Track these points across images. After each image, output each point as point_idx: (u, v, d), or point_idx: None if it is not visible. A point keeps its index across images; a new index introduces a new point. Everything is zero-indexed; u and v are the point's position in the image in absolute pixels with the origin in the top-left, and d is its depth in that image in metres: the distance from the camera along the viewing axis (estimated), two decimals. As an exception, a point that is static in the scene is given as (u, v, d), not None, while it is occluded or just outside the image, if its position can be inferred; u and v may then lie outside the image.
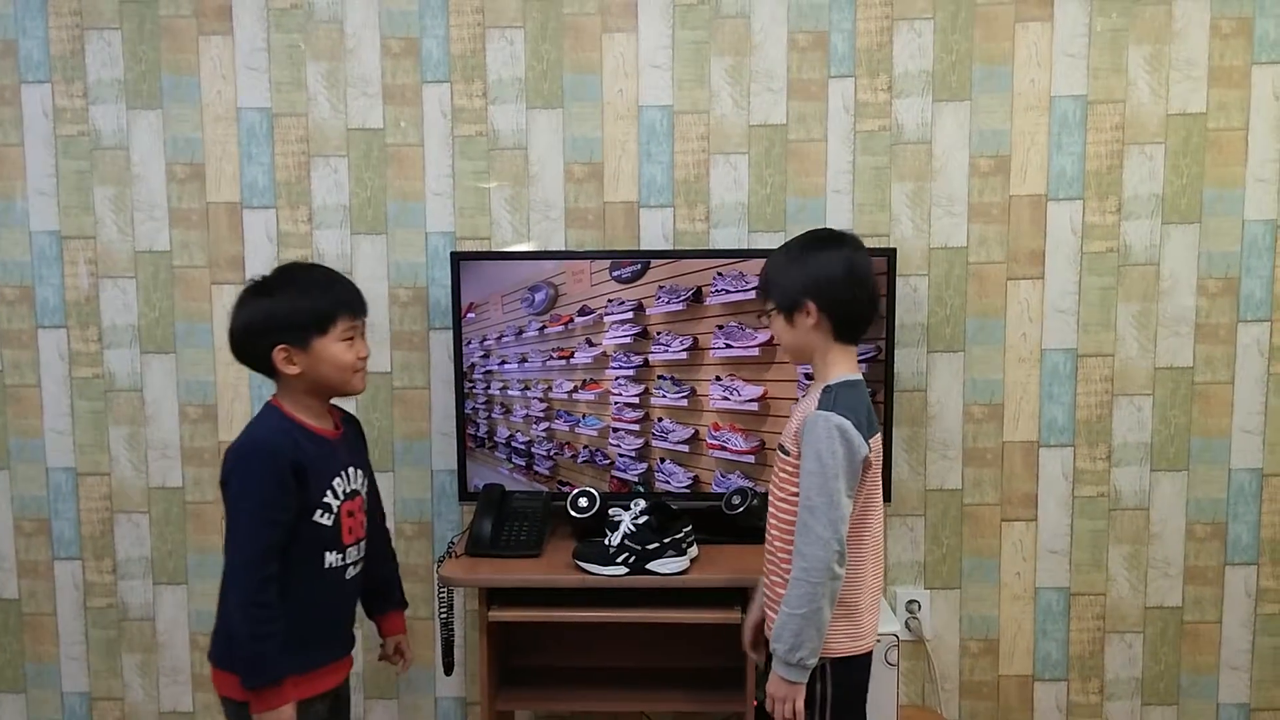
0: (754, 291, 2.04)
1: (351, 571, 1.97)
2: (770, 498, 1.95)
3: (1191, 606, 2.64)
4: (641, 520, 2.24)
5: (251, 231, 2.59)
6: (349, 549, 1.95)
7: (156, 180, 2.59)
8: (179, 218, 2.60)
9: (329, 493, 1.90)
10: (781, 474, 1.90)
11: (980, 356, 2.58)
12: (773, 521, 1.93)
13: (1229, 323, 2.55)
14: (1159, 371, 2.57)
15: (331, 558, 1.91)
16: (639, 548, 2.22)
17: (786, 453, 1.89)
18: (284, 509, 1.83)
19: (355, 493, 1.97)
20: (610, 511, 2.29)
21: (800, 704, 1.85)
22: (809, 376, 2.41)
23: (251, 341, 1.88)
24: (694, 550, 2.28)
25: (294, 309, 1.87)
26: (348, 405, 2.62)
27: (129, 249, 2.61)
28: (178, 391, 2.64)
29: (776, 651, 1.83)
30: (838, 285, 1.85)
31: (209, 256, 2.60)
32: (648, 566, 2.22)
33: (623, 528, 2.24)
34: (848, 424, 1.79)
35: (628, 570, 2.22)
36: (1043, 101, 2.51)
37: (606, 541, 2.24)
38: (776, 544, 1.91)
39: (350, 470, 1.96)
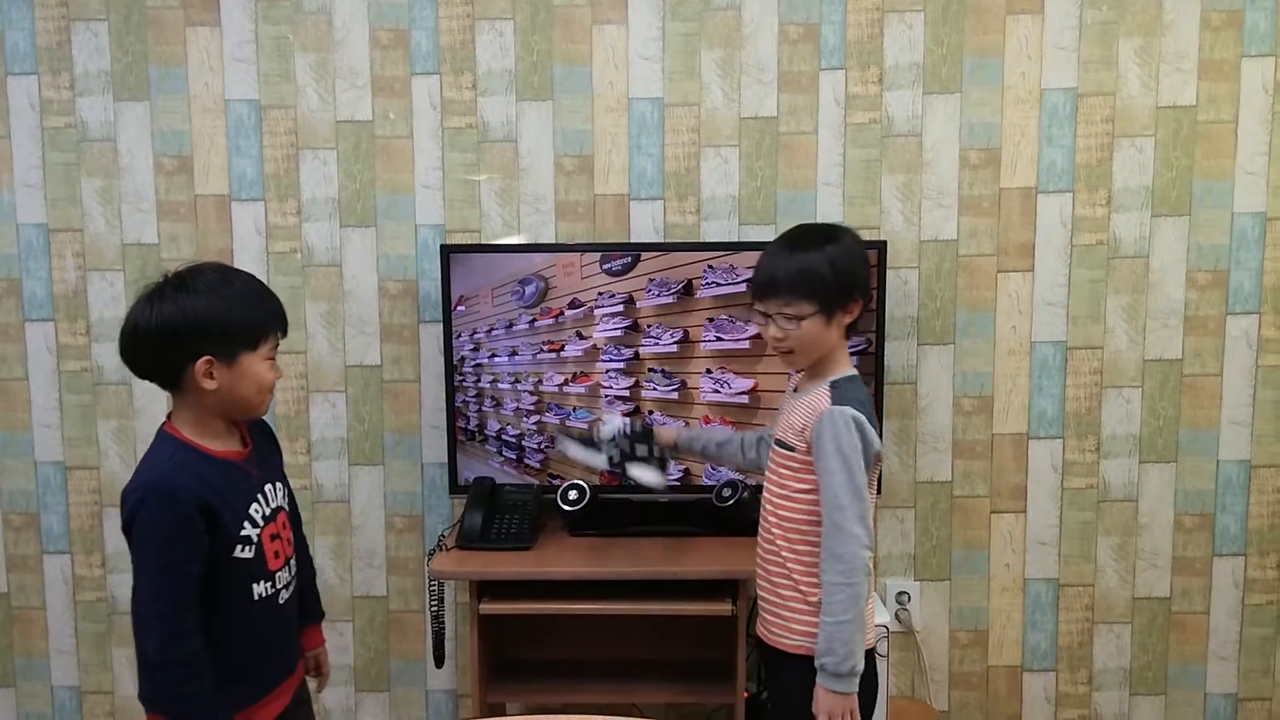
0: (769, 292, 1.83)
1: (285, 595, 1.78)
2: (766, 494, 1.91)
3: (1180, 597, 2.66)
4: (631, 430, 2.16)
5: (240, 224, 2.58)
6: (277, 574, 1.75)
7: (144, 173, 2.57)
8: (167, 210, 2.58)
9: (246, 524, 1.69)
10: (783, 470, 1.86)
11: (970, 349, 2.58)
12: (771, 520, 1.88)
13: (1218, 315, 2.56)
14: (1148, 364, 2.58)
15: (260, 588, 1.72)
16: (626, 449, 2.15)
17: (789, 448, 1.85)
18: (194, 558, 1.61)
19: (278, 510, 1.78)
20: (603, 418, 2.25)
21: (858, 713, 1.79)
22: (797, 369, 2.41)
23: (168, 346, 1.63)
24: (671, 472, 2.24)
25: (232, 317, 1.64)
26: (338, 401, 2.62)
27: (117, 242, 2.59)
28: (167, 385, 2.63)
29: (826, 666, 1.76)
30: (869, 277, 1.89)
31: (197, 249, 2.58)
32: (629, 469, 2.15)
33: (614, 424, 2.16)
34: (863, 418, 1.78)
35: (609, 465, 2.16)
36: (1033, 94, 2.51)
37: (594, 437, 2.19)
38: (779, 543, 1.86)
39: (268, 489, 1.76)
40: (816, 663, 1.78)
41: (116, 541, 2.68)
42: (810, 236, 1.87)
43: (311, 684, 1.99)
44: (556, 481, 2.49)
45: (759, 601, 1.95)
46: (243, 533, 1.68)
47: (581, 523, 2.43)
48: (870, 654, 1.87)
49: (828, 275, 1.80)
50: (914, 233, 2.54)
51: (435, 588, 2.41)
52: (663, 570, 2.27)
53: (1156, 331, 2.57)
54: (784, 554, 1.86)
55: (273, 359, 1.71)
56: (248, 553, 1.69)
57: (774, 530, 1.88)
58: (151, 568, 1.61)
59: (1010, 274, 2.56)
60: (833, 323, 1.82)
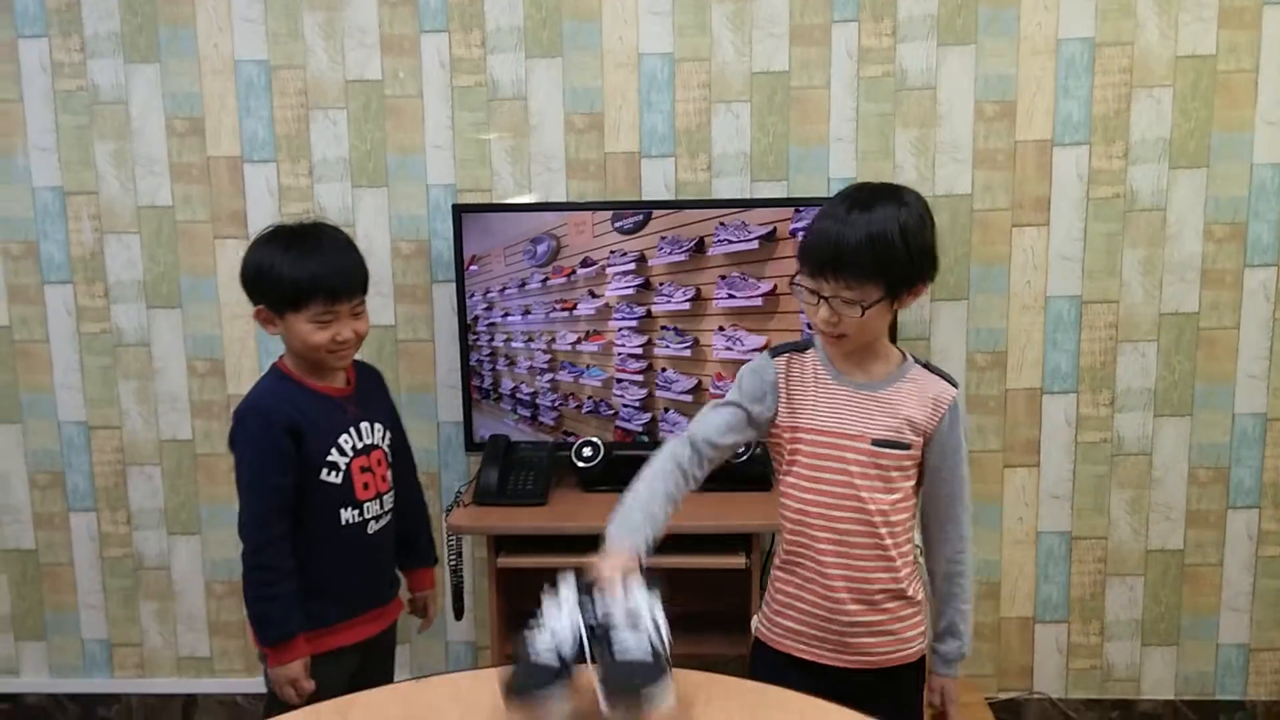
0: (830, 269, 1.56)
1: (374, 526, 1.95)
2: (873, 505, 1.63)
3: (1193, 549, 2.66)
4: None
5: (252, 185, 2.59)
6: (367, 504, 1.93)
7: (156, 135, 2.57)
8: (180, 172, 2.59)
9: (334, 451, 1.88)
10: (894, 473, 1.64)
11: (984, 305, 2.57)
12: (884, 531, 1.64)
13: (1235, 268, 2.54)
14: (1164, 317, 2.56)
15: (347, 514, 1.90)
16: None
17: (903, 447, 1.64)
18: (281, 471, 1.83)
19: (371, 447, 1.94)
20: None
21: None
22: (809, 326, 2.41)
23: (245, 288, 1.89)
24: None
25: (275, 276, 1.82)
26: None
27: (131, 204, 2.61)
28: (185, 346, 2.65)
29: (967, 653, 1.73)
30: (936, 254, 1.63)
31: (211, 211, 2.60)
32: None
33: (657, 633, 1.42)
34: None
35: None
36: (1049, 45, 2.47)
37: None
38: (892, 554, 1.65)
39: (363, 425, 1.93)
40: (945, 647, 1.73)
41: (140, 499, 2.73)
42: (880, 197, 1.59)
43: (417, 622, 2.22)
44: (571, 439, 2.51)
45: (843, 626, 1.68)
46: (329, 458, 1.87)
47: (595, 479, 2.46)
48: None
49: (900, 252, 1.54)
50: (928, 187, 2.51)
51: (454, 542, 2.45)
52: (676, 525, 2.29)
53: (1173, 285, 2.55)
54: (897, 562, 1.66)
55: (326, 322, 1.84)
56: (335, 478, 1.88)
57: (886, 541, 1.65)
58: (246, 478, 1.85)
59: (1025, 228, 2.54)
60: (895, 306, 1.61)
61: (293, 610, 1.84)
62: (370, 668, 2.00)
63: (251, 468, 1.85)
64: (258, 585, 1.83)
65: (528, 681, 1.33)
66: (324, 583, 1.89)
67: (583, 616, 1.40)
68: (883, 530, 1.64)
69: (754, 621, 1.84)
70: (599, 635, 1.38)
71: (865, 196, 1.59)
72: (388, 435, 2.01)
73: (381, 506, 1.97)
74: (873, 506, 1.63)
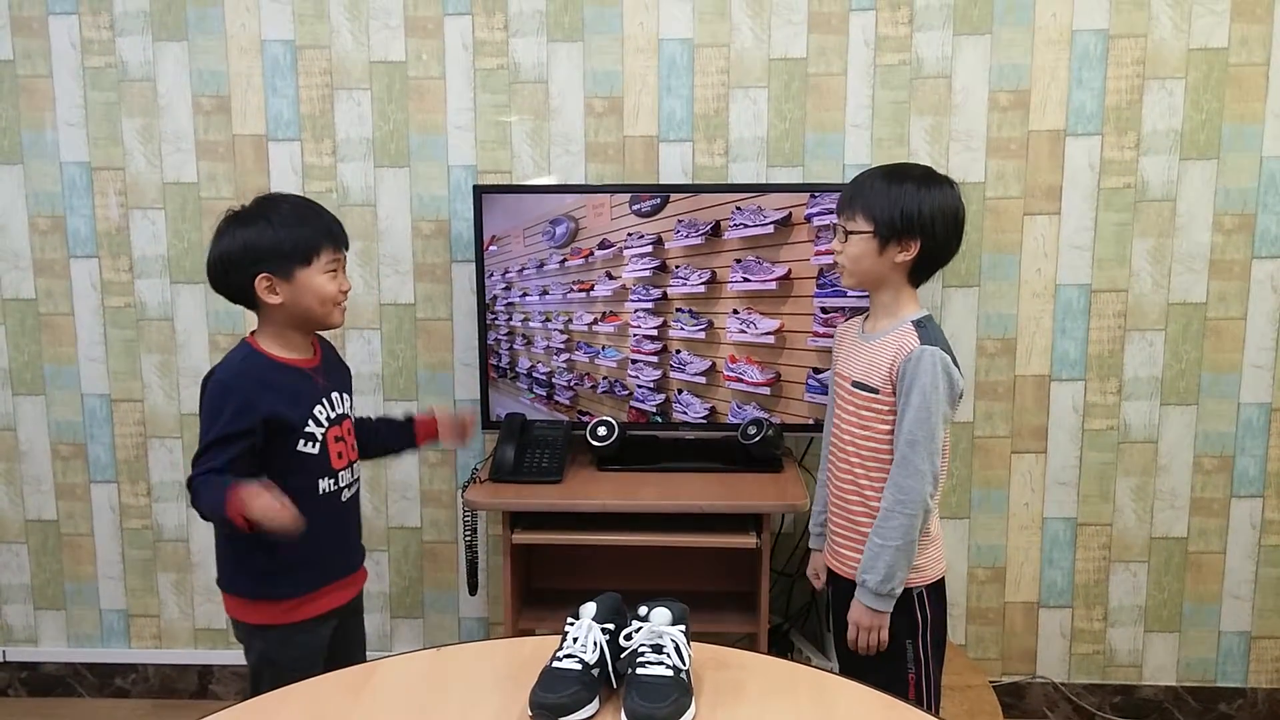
0: (843, 205, 1.94)
1: (346, 494, 1.98)
2: (848, 436, 1.95)
3: (1196, 537, 2.70)
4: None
5: (277, 164, 2.63)
6: (340, 473, 1.95)
7: (183, 112, 2.62)
8: (206, 150, 2.63)
9: (310, 422, 1.88)
10: (865, 413, 1.92)
11: (994, 292, 2.61)
12: (854, 460, 1.94)
13: (1243, 259, 2.57)
14: (1172, 307, 2.60)
15: (325, 484, 1.92)
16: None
17: (872, 390, 1.90)
18: (237, 439, 1.79)
19: (342, 416, 1.96)
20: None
21: (885, 633, 1.90)
22: (823, 310, 2.45)
23: (232, 270, 1.85)
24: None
25: (278, 238, 1.83)
26: (372, 338, 2.68)
27: (157, 180, 2.65)
28: (207, 321, 2.70)
29: (867, 583, 1.87)
30: (946, 230, 1.88)
31: (236, 188, 2.64)
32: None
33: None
34: (949, 360, 1.85)
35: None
36: (1064, 35, 2.50)
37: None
38: (862, 482, 1.94)
39: (334, 396, 1.95)
40: (858, 578, 1.89)
41: (161, 472, 2.77)
42: (903, 173, 1.91)
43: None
44: (586, 418, 2.55)
45: (832, 537, 2.03)
46: (306, 429, 1.88)
47: (610, 458, 2.49)
48: (942, 585, 1.97)
49: (878, 196, 1.87)
50: (941, 175, 2.55)
51: (469, 518, 2.49)
52: (689, 504, 2.33)
53: (1181, 275, 2.58)
54: (866, 492, 1.93)
55: (334, 272, 1.88)
56: (312, 448, 1.89)
57: (857, 470, 1.94)
58: (212, 435, 1.81)
59: (1036, 217, 2.58)
60: (885, 253, 1.88)
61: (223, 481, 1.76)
62: (346, 630, 2.04)
63: (213, 432, 1.80)
64: (202, 489, 1.77)
65: (552, 691, 1.38)
66: (304, 552, 1.87)
67: (606, 638, 1.45)
68: (854, 460, 1.95)
69: None
70: (623, 656, 1.45)
71: (897, 167, 1.95)
72: (351, 405, 2.03)
73: (352, 474, 2.00)
74: (848, 438, 1.96)
